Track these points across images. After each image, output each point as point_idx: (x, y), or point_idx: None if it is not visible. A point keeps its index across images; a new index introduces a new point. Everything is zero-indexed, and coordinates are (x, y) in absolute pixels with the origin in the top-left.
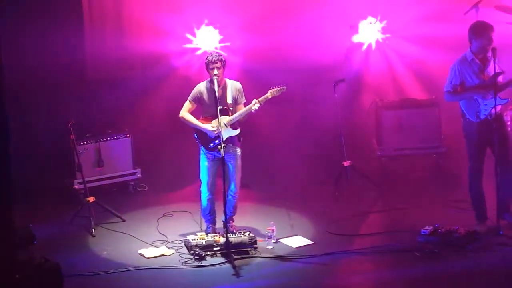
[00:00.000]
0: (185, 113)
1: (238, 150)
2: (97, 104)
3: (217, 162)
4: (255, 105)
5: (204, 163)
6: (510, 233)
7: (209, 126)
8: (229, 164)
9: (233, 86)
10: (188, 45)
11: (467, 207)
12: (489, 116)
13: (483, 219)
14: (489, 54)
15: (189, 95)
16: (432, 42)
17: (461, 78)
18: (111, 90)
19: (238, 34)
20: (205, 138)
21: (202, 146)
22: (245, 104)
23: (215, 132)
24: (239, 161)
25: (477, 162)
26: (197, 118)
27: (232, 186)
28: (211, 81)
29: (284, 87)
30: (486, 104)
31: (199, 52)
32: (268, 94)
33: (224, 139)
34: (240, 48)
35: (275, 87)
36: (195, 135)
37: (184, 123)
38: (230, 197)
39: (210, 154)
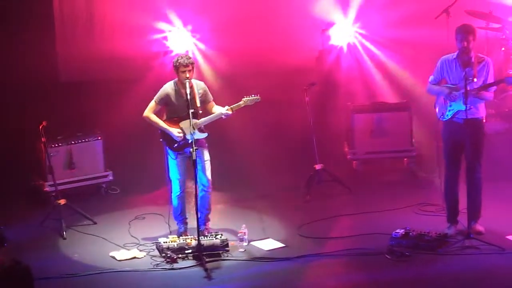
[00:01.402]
0: (150, 113)
1: (205, 147)
2: (68, 106)
3: (185, 158)
4: (226, 111)
5: (172, 161)
6: (481, 237)
7: (175, 131)
8: (198, 159)
9: (199, 87)
10: (160, 47)
11: (438, 211)
12: (457, 119)
13: (454, 222)
14: (473, 59)
15: (155, 96)
16: (404, 46)
17: (442, 74)
18: (83, 92)
19: (211, 37)
20: (170, 139)
21: (166, 146)
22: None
23: (180, 138)
24: (207, 155)
25: (450, 164)
26: (161, 118)
27: (204, 180)
28: (180, 83)
29: (258, 97)
30: (450, 105)
31: (171, 54)
32: (241, 103)
33: (190, 142)
34: (213, 51)
35: (249, 96)
36: (160, 134)
37: (148, 123)
38: (203, 192)
39: (175, 152)
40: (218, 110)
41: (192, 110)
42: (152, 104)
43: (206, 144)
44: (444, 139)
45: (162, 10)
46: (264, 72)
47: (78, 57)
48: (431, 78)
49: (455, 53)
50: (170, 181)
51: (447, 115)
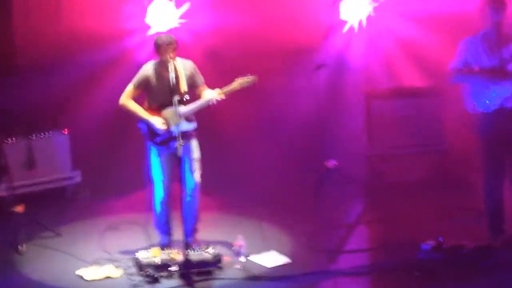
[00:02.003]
0: (127, 100)
1: (194, 141)
2: (28, 94)
3: (171, 156)
4: (218, 95)
5: (155, 158)
6: None
7: (158, 122)
8: (185, 158)
9: (186, 67)
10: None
11: (477, 217)
12: (500, 107)
13: (499, 231)
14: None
15: (132, 79)
16: (432, 20)
17: (466, 58)
18: (45, 78)
19: (200, 11)
20: (152, 131)
21: (148, 140)
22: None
23: (164, 129)
24: (196, 153)
25: (491, 163)
26: (141, 105)
27: (192, 183)
28: (162, 64)
29: (255, 77)
30: (495, 92)
31: (151, 32)
32: (235, 85)
33: (175, 134)
34: (202, 28)
35: (244, 77)
36: (140, 126)
37: (126, 112)
38: (189, 198)
39: (159, 148)
40: (208, 95)
41: (177, 97)
42: (129, 88)
43: (195, 136)
44: (484, 133)
45: None
46: (263, 53)
47: (40, 35)
48: (452, 65)
49: (480, 33)
50: (153, 182)
51: (494, 104)
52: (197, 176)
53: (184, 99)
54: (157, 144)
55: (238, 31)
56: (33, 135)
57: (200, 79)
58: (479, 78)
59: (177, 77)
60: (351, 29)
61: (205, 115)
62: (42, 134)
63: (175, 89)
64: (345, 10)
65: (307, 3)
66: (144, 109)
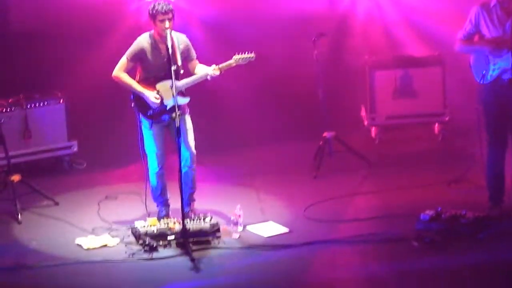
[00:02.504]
0: (120, 72)
1: (187, 113)
2: (22, 62)
3: (163, 128)
4: (213, 71)
5: (147, 131)
6: None
7: (152, 95)
8: (179, 129)
9: (180, 41)
10: None
11: (477, 187)
12: (504, 79)
13: (498, 201)
14: None
15: (126, 51)
16: None
17: (477, 26)
18: (41, 45)
19: None
20: (143, 104)
21: (139, 113)
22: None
23: (157, 103)
24: (189, 123)
25: (495, 134)
26: (133, 78)
27: (187, 153)
28: (158, 35)
29: (253, 55)
30: (495, 63)
31: None
32: (232, 62)
33: (168, 108)
34: None
35: (241, 54)
36: (132, 98)
37: (119, 84)
38: (186, 168)
39: (151, 121)
40: (202, 70)
41: (174, 68)
42: (123, 61)
43: (188, 110)
44: (487, 105)
45: None
46: (262, 21)
47: (34, 2)
48: (460, 33)
49: (493, 0)
50: (146, 155)
51: (491, 76)
52: (192, 146)
53: (179, 73)
54: (149, 117)
55: None
56: (29, 104)
57: (193, 53)
58: (480, 48)
59: (173, 49)
60: None
61: (204, 84)
62: (38, 103)
63: (172, 61)
64: None
65: None
66: (136, 81)
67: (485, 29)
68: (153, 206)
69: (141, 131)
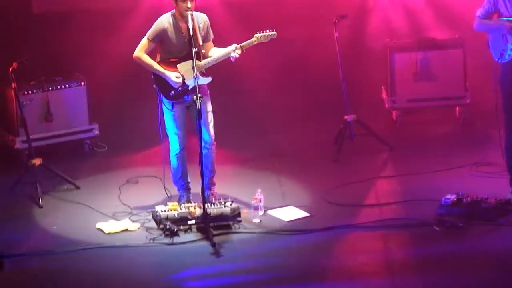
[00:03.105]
0: (141, 53)
1: (207, 95)
2: (44, 44)
3: (184, 108)
4: (235, 51)
5: (168, 112)
6: None
7: (173, 75)
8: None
9: (200, 20)
10: None
11: (499, 172)
12: (509, 60)
13: None
14: None
15: (148, 32)
16: None
17: (495, 5)
18: (62, 27)
19: None
20: (165, 85)
21: (160, 94)
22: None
23: (179, 84)
24: (209, 106)
25: (510, 115)
26: (153, 59)
27: (207, 136)
28: (179, 16)
29: (274, 32)
30: (500, 43)
31: None
32: (254, 40)
33: (190, 88)
34: None
35: (263, 32)
36: (153, 78)
37: (140, 65)
38: (205, 150)
39: (173, 101)
40: (218, 51)
41: (195, 49)
42: (144, 41)
43: (208, 92)
44: (504, 84)
45: None
46: (283, 2)
47: None
48: (479, 11)
49: None
50: (167, 136)
51: (509, 55)
52: (211, 128)
53: (200, 53)
54: (170, 98)
55: None
56: (50, 87)
57: (211, 34)
58: (497, 27)
59: (194, 30)
60: None
61: (223, 65)
62: (59, 85)
63: (194, 41)
64: None
65: None
66: (157, 62)
67: (504, 9)
68: (174, 190)
69: (162, 112)
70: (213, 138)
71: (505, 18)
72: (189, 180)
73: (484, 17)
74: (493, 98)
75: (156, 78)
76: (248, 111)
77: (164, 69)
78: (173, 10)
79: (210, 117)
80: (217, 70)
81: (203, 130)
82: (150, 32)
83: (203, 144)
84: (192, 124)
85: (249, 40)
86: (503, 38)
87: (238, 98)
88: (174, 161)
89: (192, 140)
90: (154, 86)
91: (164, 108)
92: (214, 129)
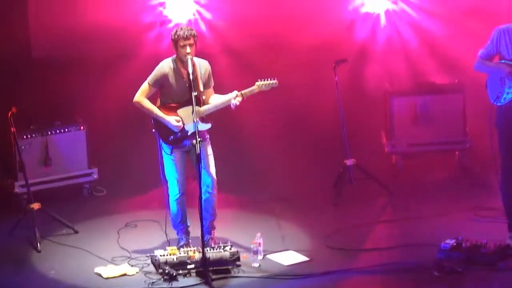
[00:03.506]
0: (142, 98)
1: (208, 139)
2: (44, 88)
3: (184, 153)
4: (236, 99)
5: (167, 157)
6: None
7: (173, 120)
8: (200, 155)
9: (202, 67)
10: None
11: (498, 216)
12: (506, 103)
13: None
14: None
15: (148, 77)
16: (456, 14)
17: (498, 47)
18: (61, 71)
19: (219, 4)
20: (164, 129)
21: (160, 139)
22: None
23: (179, 128)
24: (209, 149)
25: (507, 156)
26: (153, 103)
27: (208, 180)
28: (180, 61)
29: (276, 81)
30: (510, 87)
31: (170, 25)
32: (255, 88)
33: (189, 134)
34: (221, 21)
35: (264, 80)
36: (153, 123)
37: (140, 110)
38: (207, 195)
39: (172, 146)
40: (219, 98)
41: (195, 94)
42: (145, 86)
43: (208, 137)
44: (500, 127)
45: None
46: (283, 47)
47: (55, 29)
48: (481, 52)
49: None
50: (166, 181)
51: (505, 99)
52: (213, 172)
53: (201, 99)
54: (170, 143)
55: (259, 26)
56: (50, 131)
57: (212, 81)
58: (496, 69)
59: (194, 75)
60: (373, 23)
61: (224, 111)
62: (58, 130)
63: (194, 86)
64: (367, 3)
65: None
66: (157, 107)
67: (505, 51)
68: (173, 234)
69: (162, 156)
70: (215, 181)
71: (504, 61)
72: (188, 224)
73: (485, 58)
74: (488, 141)
75: (155, 122)
76: (248, 155)
77: (164, 113)
78: (174, 56)
79: (211, 161)
80: (218, 115)
81: (204, 173)
82: (151, 77)
83: (204, 188)
84: (191, 169)
85: (250, 88)
86: (501, 81)
87: (238, 142)
88: (173, 206)
89: (192, 184)
90: (153, 130)
91: (163, 153)
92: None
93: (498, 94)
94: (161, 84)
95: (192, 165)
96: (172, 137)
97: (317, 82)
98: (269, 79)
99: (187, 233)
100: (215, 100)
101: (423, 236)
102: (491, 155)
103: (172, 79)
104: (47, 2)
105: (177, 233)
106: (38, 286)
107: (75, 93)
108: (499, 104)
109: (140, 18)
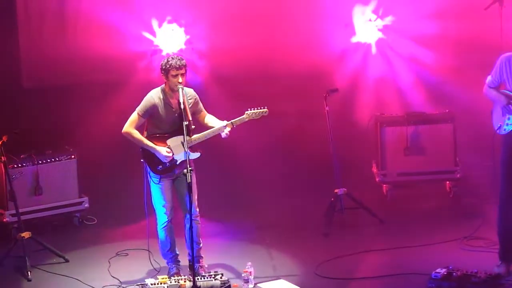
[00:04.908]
0: (131, 129)
1: (193, 167)
2: (34, 118)
3: (171, 182)
4: (226, 128)
5: (155, 186)
6: None
7: (163, 150)
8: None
9: (188, 95)
10: (147, 46)
11: (489, 246)
12: (507, 132)
13: (508, 259)
14: None
15: (137, 107)
16: (446, 44)
17: (501, 76)
18: (52, 101)
19: (209, 34)
20: (153, 159)
21: (148, 168)
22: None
23: (169, 158)
24: (193, 178)
25: (506, 186)
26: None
27: (192, 211)
28: (169, 91)
29: (266, 109)
30: (509, 119)
31: (162, 54)
32: (245, 117)
33: (178, 163)
34: (211, 51)
35: (254, 109)
36: (141, 152)
37: (130, 140)
38: (193, 222)
39: (160, 176)
40: (213, 122)
41: (186, 123)
42: (134, 117)
43: (193, 165)
44: (501, 157)
45: (148, 2)
46: (274, 76)
47: (45, 59)
48: (489, 79)
49: None
50: (149, 211)
51: (505, 129)
52: (195, 199)
53: (191, 128)
54: (158, 172)
55: (251, 55)
56: (40, 160)
57: (201, 105)
58: (497, 99)
59: (184, 104)
60: (364, 53)
61: (214, 138)
62: (49, 159)
63: (184, 116)
64: (358, 34)
65: (319, 26)
66: (144, 137)
67: (506, 81)
68: (162, 262)
69: (148, 186)
70: (197, 210)
71: (505, 91)
72: (177, 253)
73: (491, 85)
74: (486, 174)
75: (144, 152)
76: (238, 184)
77: (154, 144)
78: (163, 85)
79: (195, 190)
80: (208, 142)
81: (192, 203)
82: (140, 108)
83: (191, 216)
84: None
85: (240, 117)
86: (502, 110)
87: (228, 171)
88: (162, 234)
89: (177, 213)
90: (141, 160)
91: (151, 182)
92: (204, 202)
93: (500, 123)
94: (150, 114)
95: (176, 194)
96: (161, 167)
97: (308, 111)
98: (259, 108)
99: (176, 261)
100: (209, 121)
101: (414, 265)
102: (491, 184)
103: (161, 109)
104: (37, 33)
105: (167, 263)
106: None
107: (66, 122)
108: (501, 133)
109: (131, 47)
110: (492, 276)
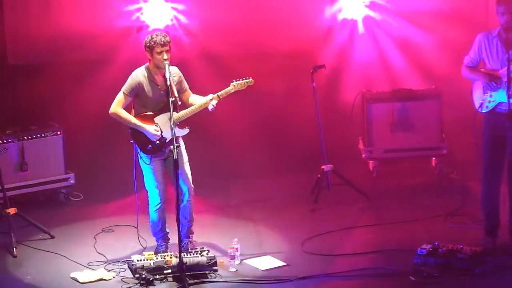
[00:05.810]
0: (118, 108)
1: (183, 145)
2: (20, 94)
3: (162, 161)
4: (212, 101)
5: (146, 166)
6: None
7: (152, 129)
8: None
9: (173, 73)
10: (133, 22)
11: (474, 222)
12: (500, 109)
13: (494, 235)
14: None
15: (123, 87)
16: (432, 20)
17: (480, 54)
18: (38, 78)
19: (196, 10)
20: (142, 139)
21: (138, 148)
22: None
23: (157, 136)
24: (185, 156)
25: (490, 164)
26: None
27: (185, 187)
28: (154, 69)
29: (251, 79)
30: (491, 96)
31: (148, 30)
32: (230, 88)
33: (167, 141)
34: (198, 27)
35: (239, 79)
36: (130, 132)
37: (117, 120)
38: (184, 202)
39: (150, 155)
40: (198, 99)
41: (172, 99)
42: (120, 96)
43: (183, 142)
44: (483, 134)
45: None
46: (261, 53)
47: (31, 35)
48: (465, 59)
49: (496, 30)
50: (146, 190)
51: (487, 107)
52: (190, 178)
53: (177, 104)
54: (148, 152)
55: (237, 32)
56: (26, 136)
57: (185, 84)
58: (476, 78)
59: (169, 80)
60: (351, 29)
61: (202, 116)
62: (34, 135)
63: (170, 92)
64: (345, 10)
65: (305, 4)
66: (132, 115)
67: (486, 59)
68: (150, 240)
69: (138, 165)
70: (192, 189)
71: (484, 70)
72: (168, 231)
73: (470, 65)
74: (472, 150)
75: (133, 132)
76: (225, 160)
77: (142, 122)
78: (147, 64)
79: (187, 168)
80: (195, 120)
81: (181, 181)
82: (125, 87)
83: (181, 195)
84: (168, 177)
85: (226, 89)
86: (484, 88)
87: (215, 148)
88: (154, 215)
89: (169, 190)
90: (131, 141)
91: (141, 162)
92: (192, 179)
93: (481, 101)
94: (136, 93)
95: (169, 173)
96: (150, 146)
97: (295, 88)
98: (244, 78)
99: (166, 240)
100: (194, 100)
101: (400, 241)
102: (475, 161)
103: (147, 87)
104: (23, 10)
105: (157, 240)
106: None
107: (52, 98)
108: (483, 111)
109: (117, 24)
110: (477, 251)
